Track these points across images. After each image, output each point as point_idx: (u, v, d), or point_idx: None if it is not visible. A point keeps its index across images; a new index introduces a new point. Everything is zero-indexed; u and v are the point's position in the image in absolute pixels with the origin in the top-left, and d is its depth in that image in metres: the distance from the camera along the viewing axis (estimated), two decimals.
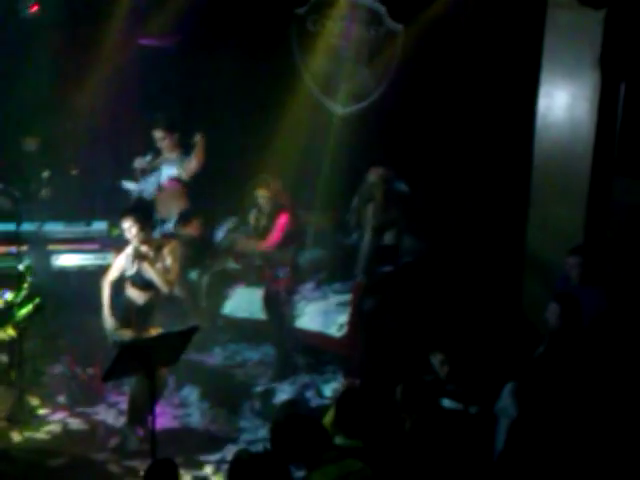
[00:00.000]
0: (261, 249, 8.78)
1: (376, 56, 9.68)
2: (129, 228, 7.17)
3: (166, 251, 7.28)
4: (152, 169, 9.20)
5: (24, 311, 7.58)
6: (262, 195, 8.72)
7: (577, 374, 6.05)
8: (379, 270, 8.57)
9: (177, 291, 7.95)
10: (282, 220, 8.72)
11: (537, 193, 8.51)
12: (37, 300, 7.64)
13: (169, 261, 7.25)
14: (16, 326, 7.55)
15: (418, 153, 9.09)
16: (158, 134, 9.08)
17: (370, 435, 5.43)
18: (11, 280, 7.82)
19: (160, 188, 9.18)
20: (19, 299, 7.62)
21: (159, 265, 7.22)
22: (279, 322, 8.50)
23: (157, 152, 9.21)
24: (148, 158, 9.19)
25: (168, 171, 9.16)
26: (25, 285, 7.69)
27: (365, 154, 9.07)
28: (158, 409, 6.30)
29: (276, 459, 5.01)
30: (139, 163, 9.18)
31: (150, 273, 7.19)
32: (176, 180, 9.14)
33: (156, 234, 8.41)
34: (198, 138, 9.05)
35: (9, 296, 7.63)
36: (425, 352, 6.58)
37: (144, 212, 7.62)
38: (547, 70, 8.40)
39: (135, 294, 7.34)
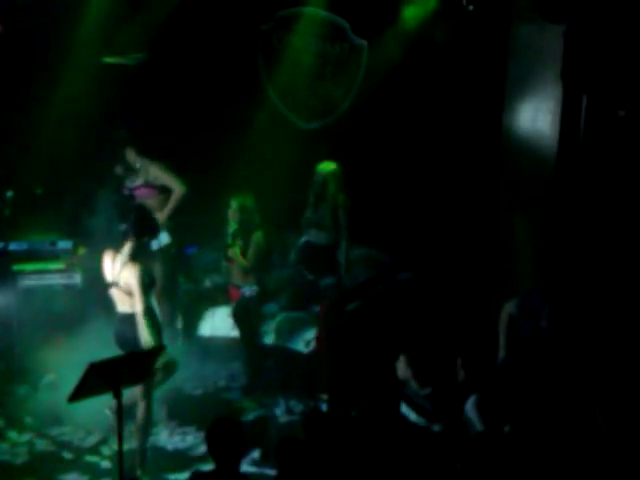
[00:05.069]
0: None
1: (341, 71, 9.73)
2: None
3: None
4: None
5: None
6: (237, 214, 8.58)
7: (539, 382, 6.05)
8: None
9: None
10: (256, 239, 8.62)
11: (505, 204, 8.63)
12: None
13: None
14: None
15: (385, 168, 9.12)
16: (130, 155, 8.86)
17: (336, 453, 5.43)
18: None
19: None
20: None
21: None
22: (249, 335, 8.48)
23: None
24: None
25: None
26: None
27: None
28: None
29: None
30: (119, 169, 8.96)
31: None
32: (148, 187, 9.05)
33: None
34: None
35: None
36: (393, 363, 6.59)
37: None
38: (511, 83, 8.50)
39: None
